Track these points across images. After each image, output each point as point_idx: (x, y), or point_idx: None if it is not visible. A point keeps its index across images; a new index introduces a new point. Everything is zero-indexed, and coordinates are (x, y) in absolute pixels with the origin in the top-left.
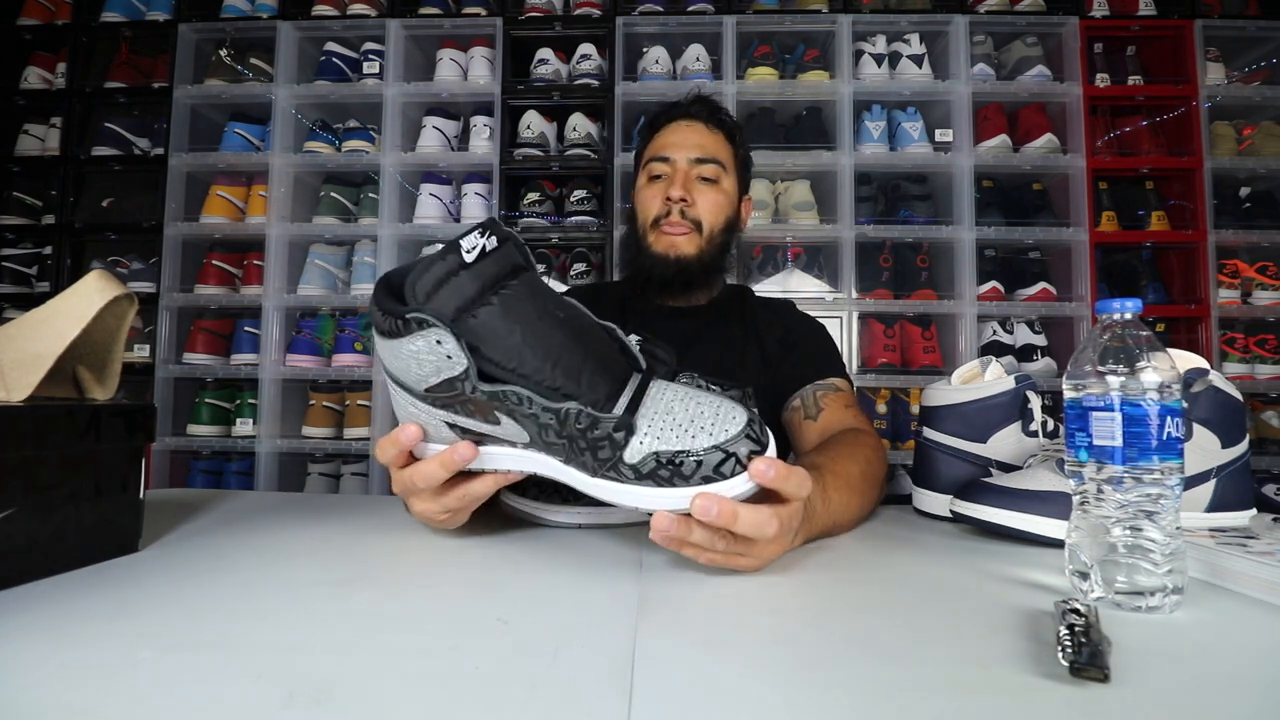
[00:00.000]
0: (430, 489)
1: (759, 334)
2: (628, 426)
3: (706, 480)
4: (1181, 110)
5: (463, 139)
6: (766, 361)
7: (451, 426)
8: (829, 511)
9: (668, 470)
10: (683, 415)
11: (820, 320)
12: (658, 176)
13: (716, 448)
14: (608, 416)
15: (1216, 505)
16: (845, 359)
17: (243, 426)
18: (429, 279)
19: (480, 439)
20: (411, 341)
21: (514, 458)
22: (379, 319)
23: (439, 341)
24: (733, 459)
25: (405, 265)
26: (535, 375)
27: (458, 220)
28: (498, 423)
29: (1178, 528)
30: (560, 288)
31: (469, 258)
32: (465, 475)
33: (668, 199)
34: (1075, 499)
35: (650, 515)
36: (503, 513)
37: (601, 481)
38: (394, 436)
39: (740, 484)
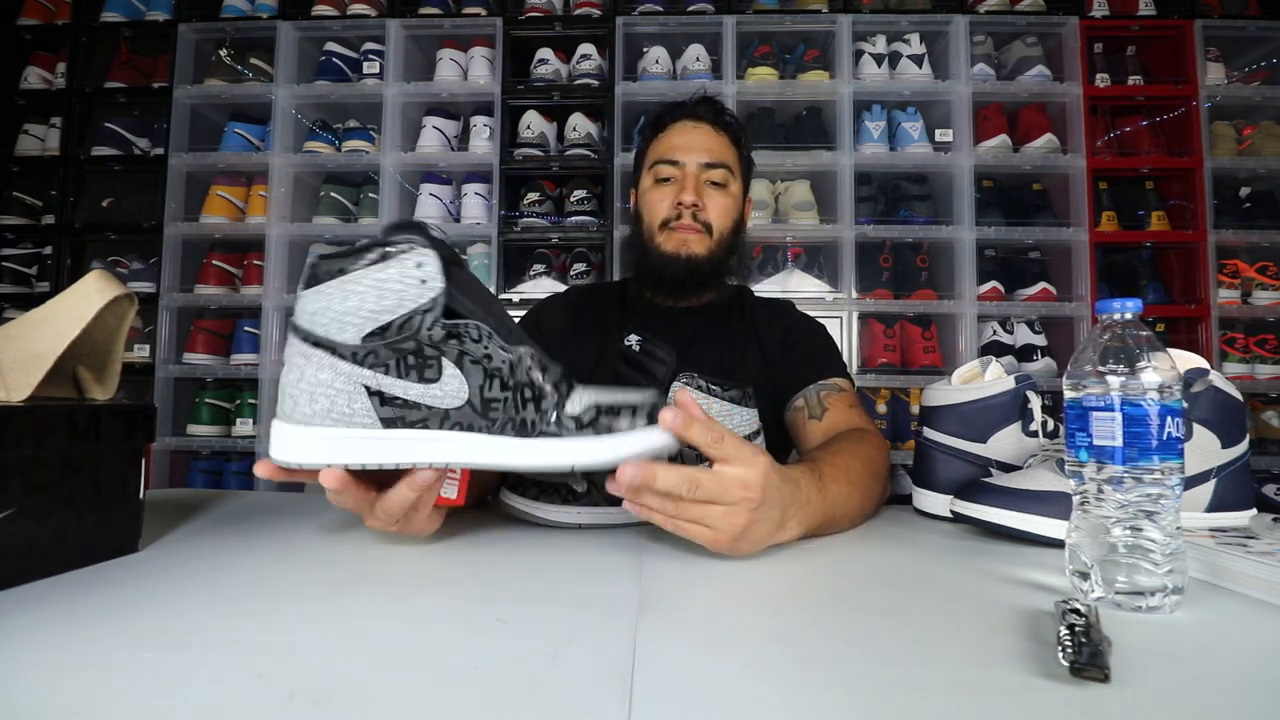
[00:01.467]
0: (340, 501)
1: (759, 334)
2: (569, 380)
3: (649, 423)
4: (1181, 110)
5: (463, 139)
6: (766, 362)
7: (371, 393)
8: (827, 502)
9: (608, 418)
10: (609, 389)
11: (820, 320)
12: (666, 179)
13: (651, 405)
14: (555, 365)
15: (1217, 505)
16: (845, 359)
17: (243, 426)
18: (403, 229)
19: (399, 413)
20: (382, 269)
21: (426, 442)
22: (330, 263)
23: (419, 264)
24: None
25: (335, 250)
26: (497, 320)
27: (458, 220)
28: (435, 379)
29: (1178, 528)
30: (560, 288)
31: (435, 232)
32: (379, 486)
33: (679, 204)
34: (1075, 499)
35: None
36: (503, 513)
37: (536, 441)
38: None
39: (658, 434)
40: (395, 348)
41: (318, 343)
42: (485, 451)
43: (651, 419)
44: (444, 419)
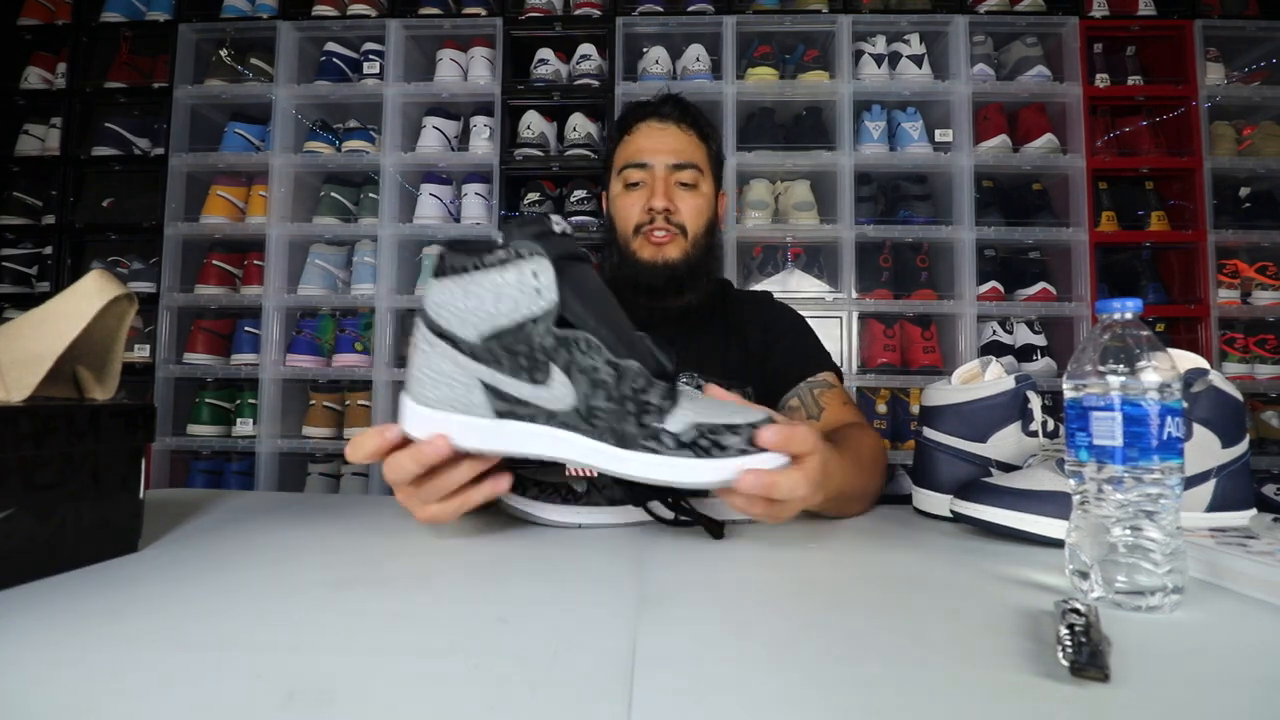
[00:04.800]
0: (402, 483)
1: (741, 330)
2: (674, 396)
3: (743, 452)
4: (1181, 110)
5: (463, 139)
6: (749, 358)
7: (487, 388)
8: (843, 474)
9: (707, 440)
10: (709, 401)
11: (814, 317)
12: (635, 183)
13: (750, 425)
14: (661, 383)
15: (1216, 505)
16: (845, 359)
17: (243, 426)
18: (529, 230)
19: (510, 408)
20: (502, 273)
21: (534, 436)
22: (458, 257)
23: (535, 273)
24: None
25: (464, 243)
26: (609, 331)
27: (458, 220)
28: (544, 381)
29: (1178, 528)
30: None
31: (558, 229)
32: (466, 485)
33: (650, 208)
34: (1075, 499)
35: (646, 519)
36: (503, 513)
37: (635, 454)
38: (377, 430)
39: (772, 459)
40: (510, 349)
41: (441, 334)
42: (594, 455)
43: (750, 444)
44: (550, 417)
